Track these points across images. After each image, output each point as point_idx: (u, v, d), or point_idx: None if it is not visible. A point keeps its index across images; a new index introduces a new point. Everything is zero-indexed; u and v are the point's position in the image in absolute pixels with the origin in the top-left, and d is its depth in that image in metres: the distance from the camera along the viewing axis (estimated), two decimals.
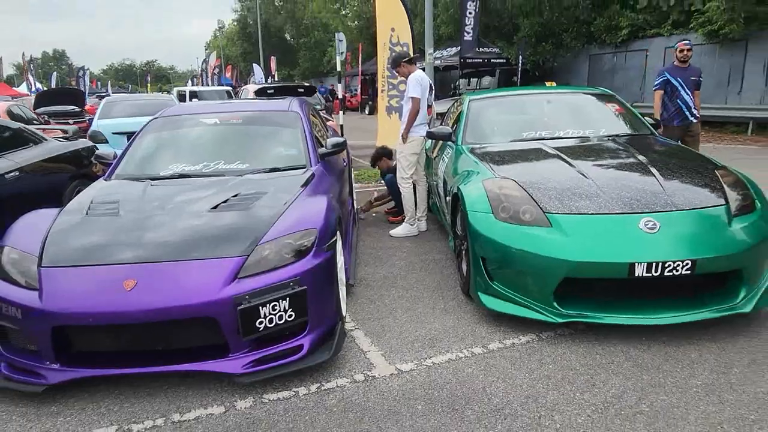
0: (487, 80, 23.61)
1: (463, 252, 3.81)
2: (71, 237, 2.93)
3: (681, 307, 3.07)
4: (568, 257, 3.02)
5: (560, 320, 3.10)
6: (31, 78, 36.70)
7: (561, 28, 19.96)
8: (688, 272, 2.96)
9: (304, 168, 3.92)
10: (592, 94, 5.31)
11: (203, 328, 2.67)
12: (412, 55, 5.77)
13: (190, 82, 51.86)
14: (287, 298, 2.70)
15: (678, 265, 2.94)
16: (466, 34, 18.80)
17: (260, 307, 2.64)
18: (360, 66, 24.63)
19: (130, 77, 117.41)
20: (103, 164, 4.23)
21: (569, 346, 3.08)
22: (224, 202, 3.22)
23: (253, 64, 22.72)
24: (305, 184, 3.54)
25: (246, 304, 2.61)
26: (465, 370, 2.88)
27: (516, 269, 3.22)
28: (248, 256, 2.77)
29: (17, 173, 4.41)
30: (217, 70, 35.12)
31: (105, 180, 3.86)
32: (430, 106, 5.60)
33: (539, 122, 4.74)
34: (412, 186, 5.49)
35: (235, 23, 60.40)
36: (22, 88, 33.98)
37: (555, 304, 3.11)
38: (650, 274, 2.95)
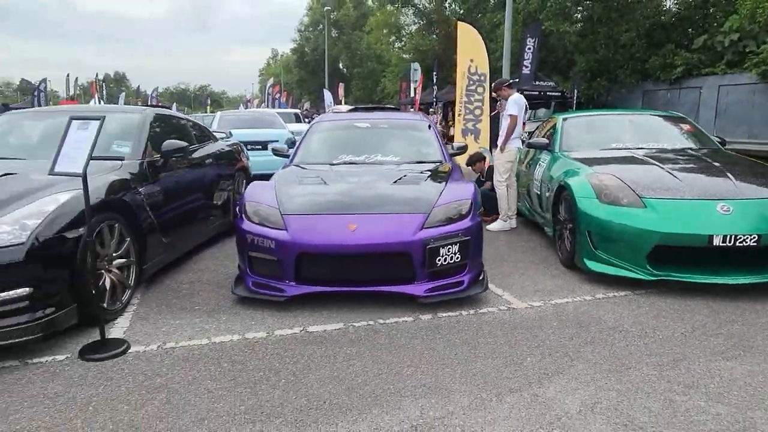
0: (542, 111, 24.61)
1: (566, 233, 4.84)
2: (298, 196, 4.10)
3: (750, 273, 4.02)
4: (659, 229, 4.03)
5: (652, 278, 4.08)
6: (96, 96, 39.88)
7: (616, 64, 20.91)
8: (755, 244, 3.91)
9: (441, 162, 5.06)
10: (667, 116, 6.33)
11: (399, 260, 3.78)
12: (510, 81, 6.91)
13: (242, 106, 54.53)
14: (457, 244, 3.80)
15: (747, 238, 3.90)
16: (524, 68, 19.97)
17: (440, 248, 3.74)
18: (418, 95, 26.18)
19: (184, 100, 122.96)
20: (279, 155, 5.49)
21: (659, 297, 4.06)
22: (400, 179, 4.36)
23: (324, 90, 24.48)
24: (449, 172, 4.67)
25: (431, 245, 3.72)
26: (581, 308, 3.89)
27: (616, 240, 4.23)
28: (428, 214, 3.88)
29: (211, 160, 5.70)
30: (278, 95, 37.31)
31: (292, 166, 5.05)
32: (524, 124, 6.69)
33: (623, 136, 5.78)
34: (506, 188, 6.56)
35: (293, 52, 63.64)
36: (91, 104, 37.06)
37: (648, 266, 4.10)
38: (725, 244, 3.92)
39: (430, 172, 4.61)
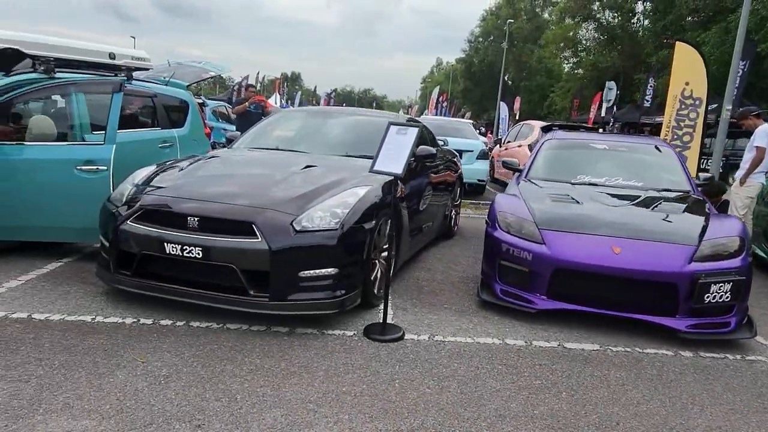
0: (742, 140, 22.09)
1: None
2: (552, 212, 4.17)
3: None
4: None
5: None
6: (277, 93, 43.83)
7: None
8: None
9: (689, 192, 4.80)
10: None
11: (662, 290, 3.67)
12: (759, 110, 6.34)
13: (401, 111, 56.31)
14: (730, 283, 3.59)
15: None
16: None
17: (711, 285, 3.56)
18: (593, 114, 25.00)
19: (348, 101, 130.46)
20: (509, 168, 5.62)
21: None
22: (655, 207, 4.24)
23: (500, 102, 24.48)
24: (704, 204, 4.42)
25: (703, 280, 3.55)
26: None
27: None
28: (696, 247, 3.72)
29: (442, 166, 6.02)
30: (446, 103, 38.01)
31: (526, 181, 5.14)
32: None
33: None
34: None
35: (458, 62, 64.38)
36: (271, 101, 40.80)
37: None
38: None
39: (684, 203, 4.42)
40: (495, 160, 12.57)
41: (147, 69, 6.33)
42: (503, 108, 23.07)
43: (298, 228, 3.38)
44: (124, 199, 3.73)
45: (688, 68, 10.24)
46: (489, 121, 42.61)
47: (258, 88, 51.88)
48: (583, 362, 3.33)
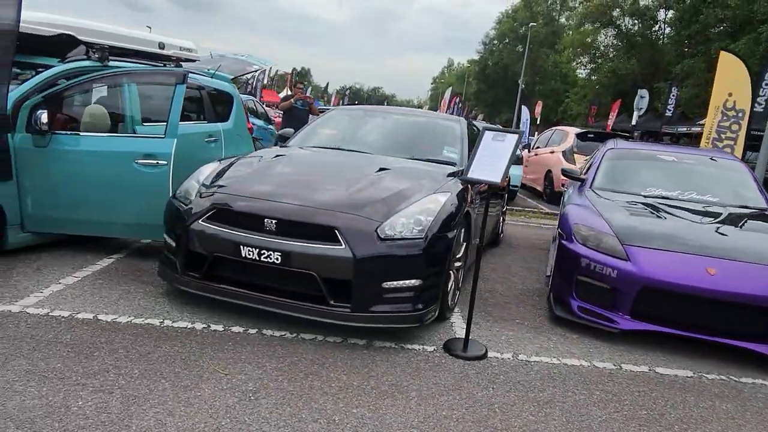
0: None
1: None
2: (635, 227, 3.96)
3: None
4: None
5: None
6: (287, 87, 43.66)
7: None
8: None
9: (765, 209, 4.60)
10: None
11: (756, 315, 3.47)
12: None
13: None
14: None
15: None
16: (757, 104, 17.79)
17: None
18: (611, 121, 24.74)
19: (358, 99, 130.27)
20: (569, 177, 5.42)
21: None
22: (743, 225, 4.04)
23: (522, 107, 24.16)
24: None
25: None
26: None
27: None
28: None
29: None
30: (460, 105, 37.74)
31: (592, 191, 4.93)
32: None
33: None
34: None
35: (470, 63, 64.11)
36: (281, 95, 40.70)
37: None
38: None
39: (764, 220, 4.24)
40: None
41: (194, 60, 6.15)
42: (524, 112, 22.76)
43: (382, 235, 3.19)
44: (192, 197, 3.54)
45: (731, 79, 10.02)
46: (503, 124, 42.35)
47: (267, 83, 51.82)
48: (681, 390, 3.13)
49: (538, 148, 12.85)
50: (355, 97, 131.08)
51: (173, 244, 3.53)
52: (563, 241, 4.11)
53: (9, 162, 3.93)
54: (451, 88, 50.19)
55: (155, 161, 4.12)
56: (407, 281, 3.21)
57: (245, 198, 3.39)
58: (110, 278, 3.93)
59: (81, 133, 4.20)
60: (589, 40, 36.69)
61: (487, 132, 3.24)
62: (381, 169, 3.86)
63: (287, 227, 3.21)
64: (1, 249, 4.02)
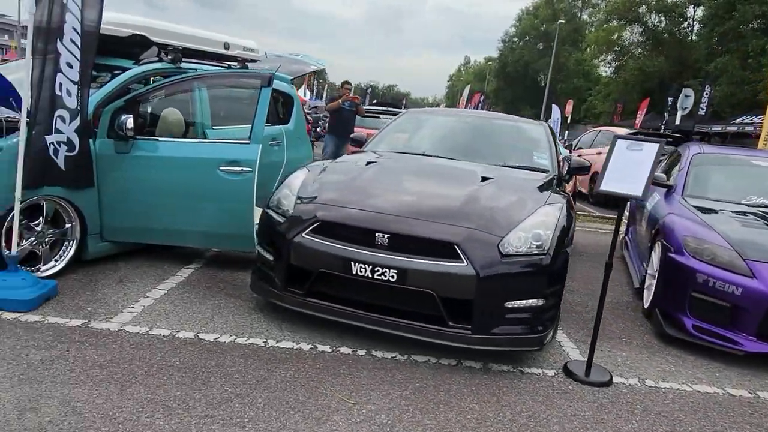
0: None
1: None
2: (755, 242, 3.68)
3: None
4: None
5: None
6: (305, 86, 43.48)
7: None
8: None
9: None
10: None
11: None
12: None
13: None
14: None
15: None
16: None
17: None
18: (639, 120, 24.27)
19: (373, 97, 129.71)
20: (655, 184, 5.15)
21: None
22: None
23: (553, 106, 23.85)
24: None
25: None
26: None
27: None
28: None
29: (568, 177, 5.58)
30: (481, 103, 37.35)
31: (683, 198, 4.65)
32: None
33: None
34: None
35: (488, 61, 63.67)
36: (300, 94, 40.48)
37: None
38: None
39: None
40: None
41: (256, 61, 5.96)
42: (555, 111, 22.46)
43: (504, 252, 2.97)
44: (291, 209, 3.34)
45: None
46: None
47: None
48: None
49: (580, 149, 12.54)
50: (373, 95, 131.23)
51: (270, 258, 3.33)
52: (671, 255, 3.85)
53: (92, 168, 3.76)
54: (469, 86, 49.78)
55: (239, 168, 3.93)
56: (530, 301, 2.99)
57: (352, 210, 3.18)
58: (196, 291, 3.75)
59: (162, 139, 4.02)
60: (614, 37, 36.13)
61: (620, 141, 3.00)
62: (484, 179, 3.63)
63: (401, 242, 3.00)
64: (81, 259, 3.86)
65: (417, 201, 3.28)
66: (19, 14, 33.92)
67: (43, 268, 3.61)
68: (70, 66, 3.47)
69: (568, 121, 24.48)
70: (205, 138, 4.54)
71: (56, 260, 3.70)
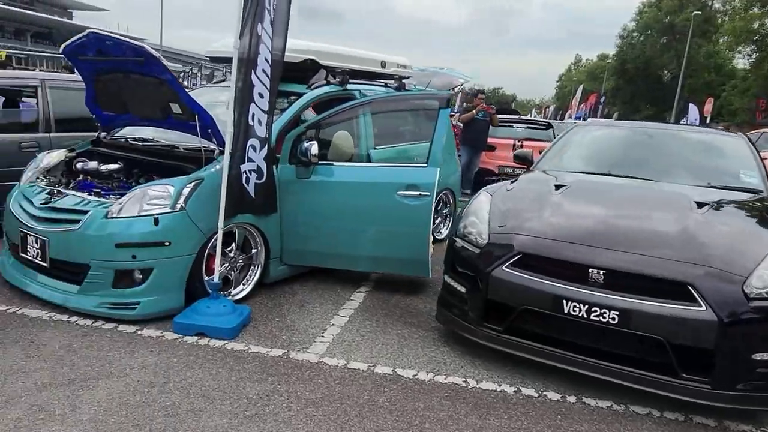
0: None
1: None
2: None
3: None
4: None
5: None
6: None
7: None
8: None
9: None
10: None
11: None
12: None
13: (533, 111, 53.12)
14: None
15: None
16: None
17: None
18: None
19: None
20: None
21: None
22: None
23: (689, 104, 22.00)
24: None
25: None
26: None
27: None
28: None
29: None
30: (600, 104, 35.38)
31: None
32: None
33: None
34: None
35: (603, 59, 60.17)
36: None
37: None
38: None
39: None
40: None
41: (409, 77, 5.90)
42: (692, 110, 20.55)
43: (749, 294, 2.56)
44: (483, 238, 3.14)
45: None
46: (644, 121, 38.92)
47: None
48: None
49: None
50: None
51: (461, 289, 3.16)
52: None
53: (276, 195, 3.84)
54: (582, 85, 47.27)
55: (418, 192, 3.82)
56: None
57: (557, 242, 2.93)
58: (376, 319, 3.67)
59: (339, 164, 4.01)
60: (756, 26, 32.54)
61: None
62: (699, 204, 3.21)
63: (621, 280, 2.69)
64: (262, 282, 3.95)
65: (630, 231, 2.95)
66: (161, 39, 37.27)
67: (233, 292, 3.72)
68: (261, 96, 3.54)
69: (707, 121, 22.26)
70: (370, 160, 4.52)
71: (243, 284, 3.81)
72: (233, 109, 3.33)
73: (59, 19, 53.43)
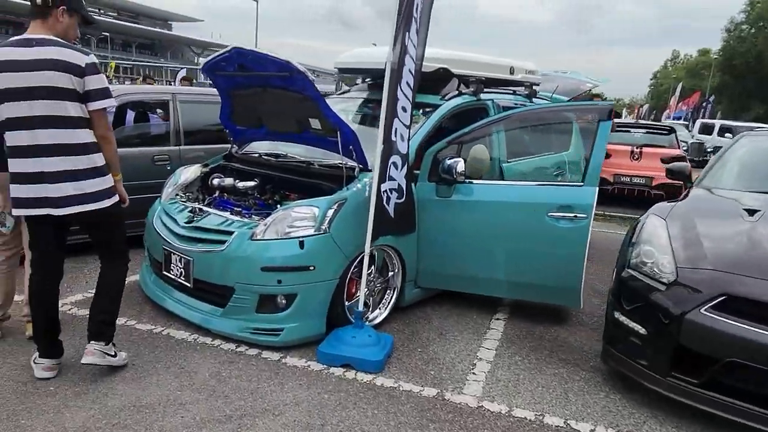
0: None
1: None
2: None
3: None
4: None
5: None
6: None
7: None
8: None
9: None
10: None
11: None
12: None
13: (624, 111, 49.95)
14: None
15: None
16: None
17: None
18: None
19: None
20: None
21: None
22: None
23: None
24: None
25: None
26: None
27: None
28: None
29: None
30: (709, 103, 32.75)
31: None
32: None
33: None
34: None
35: (705, 54, 55.94)
36: None
37: None
38: None
39: None
40: None
41: (538, 84, 5.49)
42: None
43: None
44: (671, 273, 2.71)
45: None
46: (753, 122, 35.68)
47: None
48: None
49: None
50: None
51: (641, 330, 2.75)
52: None
53: (414, 214, 3.59)
54: (681, 83, 44.02)
55: (573, 214, 3.44)
56: None
57: None
58: (525, 353, 3.33)
59: (480, 182, 3.69)
60: None
61: None
62: None
63: None
64: (397, 306, 3.72)
65: None
66: (256, 45, 38.78)
67: (370, 317, 3.52)
68: (404, 110, 3.30)
69: None
70: (502, 174, 4.18)
71: (380, 309, 3.60)
72: (383, 125, 3.11)
73: (160, 30, 57.08)
